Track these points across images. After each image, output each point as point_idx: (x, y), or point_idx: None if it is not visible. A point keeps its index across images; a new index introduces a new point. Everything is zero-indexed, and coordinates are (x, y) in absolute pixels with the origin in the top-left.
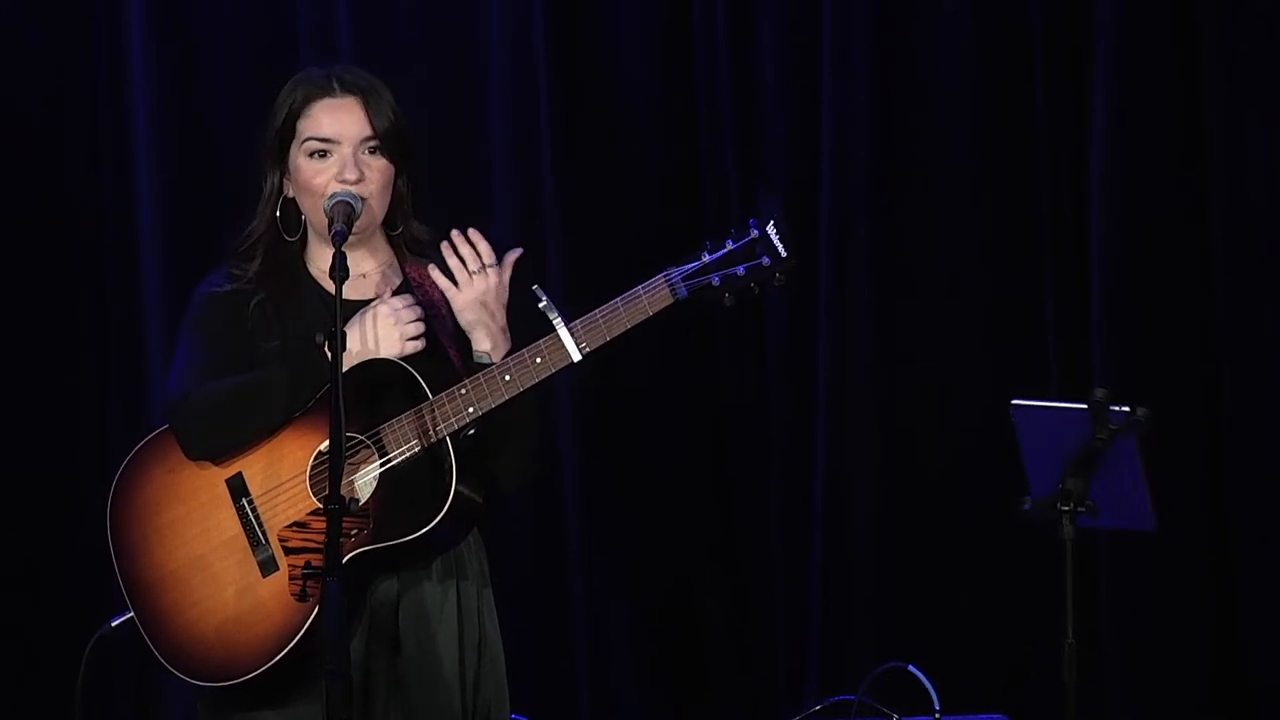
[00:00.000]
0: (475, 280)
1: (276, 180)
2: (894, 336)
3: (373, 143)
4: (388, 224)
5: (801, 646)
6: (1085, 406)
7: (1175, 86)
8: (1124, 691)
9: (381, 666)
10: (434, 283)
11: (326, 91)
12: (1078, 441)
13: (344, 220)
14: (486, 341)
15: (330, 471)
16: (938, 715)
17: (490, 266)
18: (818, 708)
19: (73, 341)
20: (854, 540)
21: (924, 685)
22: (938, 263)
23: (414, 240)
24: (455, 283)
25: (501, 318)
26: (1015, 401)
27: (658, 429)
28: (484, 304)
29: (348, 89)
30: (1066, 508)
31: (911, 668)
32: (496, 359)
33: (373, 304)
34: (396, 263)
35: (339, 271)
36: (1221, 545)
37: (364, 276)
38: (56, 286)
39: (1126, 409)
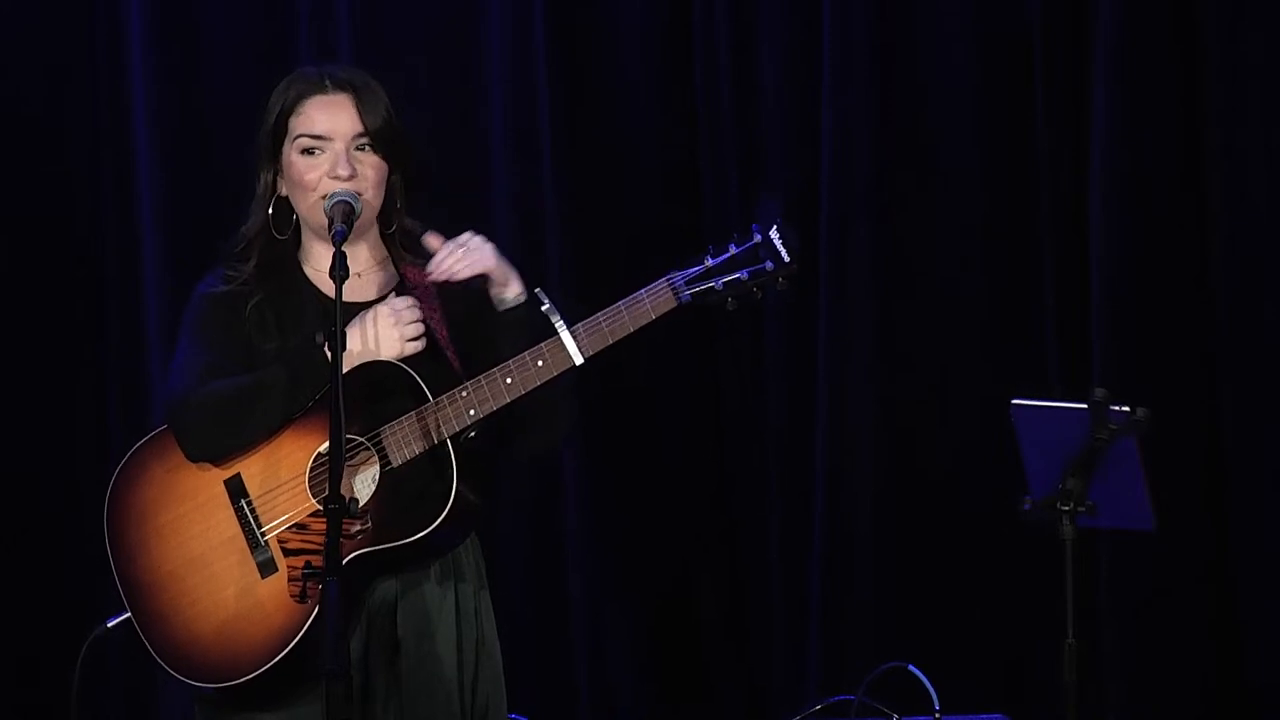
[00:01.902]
0: (474, 255)
1: (270, 178)
2: (894, 336)
3: (364, 140)
4: (382, 222)
5: (801, 646)
6: (1085, 406)
7: (1175, 87)
8: (1124, 691)
9: (381, 668)
10: (429, 287)
11: (318, 89)
12: (1078, 441)
13: (344, 220)
14: (518, 285)
15: (330, 472)
16: (938, 715)
17: (471, 239)
18: (818, 708)
19: (73, 341)
20: (854, 540)
21: (924, 685)
22: (938, 263)
23: (408, 238)
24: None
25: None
26: (1015, 401)
27: (657, 429)
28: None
29: (340, 86)
30: (1066, 508)
31: (911, 668)
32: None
33: (375, 305)
34: (391, 262)
35: (339, 271)
36: (1222, 545)
37: (358, 276)
38: (56, 286)
39: (1126, 409)
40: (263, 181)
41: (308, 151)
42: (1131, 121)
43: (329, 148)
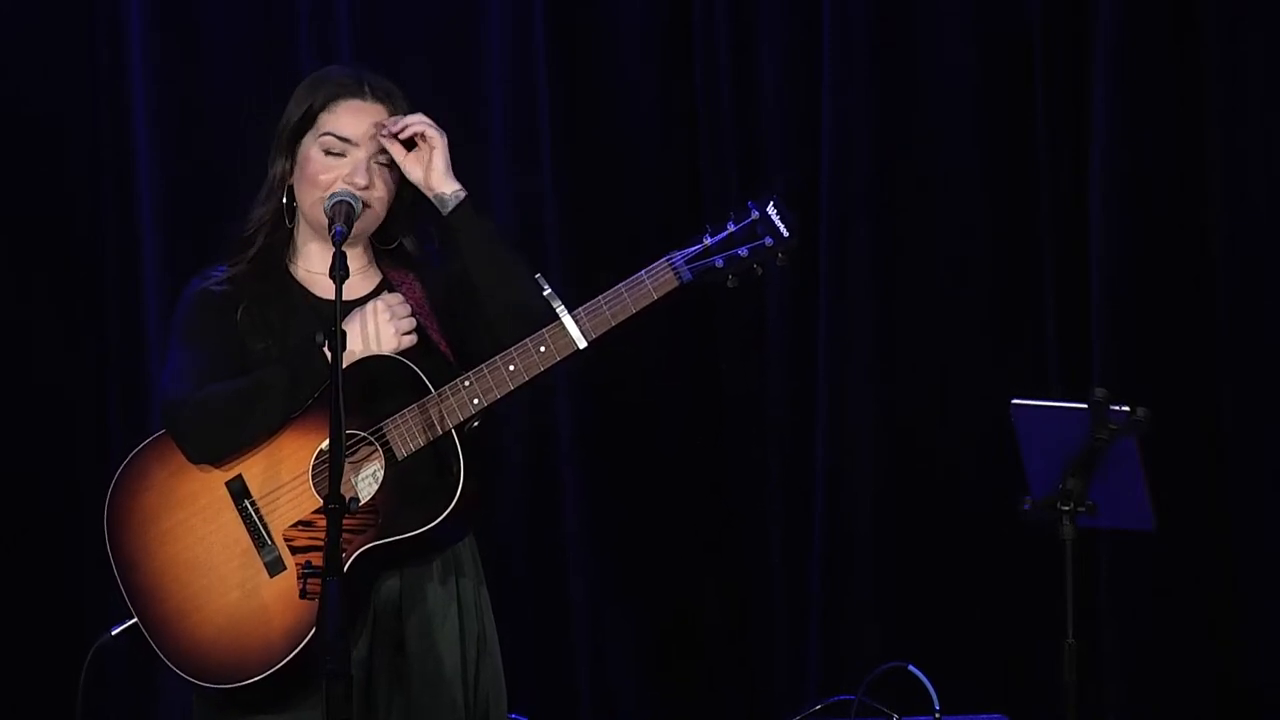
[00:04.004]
0: (434, 145)
1: (286, 167)
2: (894, 336)
3: (387, 155)
4: (382, 235)
5: (801, 646)
6: (1085, 406)
7: (1175, 86)
8: (1124, 691)
9: (385, 665)
10: (414, 284)
11: (356, 93)
12: (1078, 441)
13: (344, 220)
14: (456, 182)
15: (330, 471)
16: (938, 715)
17: (421, 123)
18: (818, 708)
19: (72, 342)
20: (854, 540)
21: (924, 685)
22: (938, 263)
23: (402, 251)
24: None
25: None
26: (1015, 401)
27: (658, 429)
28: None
29: (377, 96)
30: (1066, 508)
31: (911, 668)
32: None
33: (369, 302)
34: (375, 265)
35: (339, 271)
36: (1222, 545)
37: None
38: (56, 286)
39: (1126, 409)
40: (279, 168)
41: (330, 152)
42: (1131, 121)
43: (352, 153)
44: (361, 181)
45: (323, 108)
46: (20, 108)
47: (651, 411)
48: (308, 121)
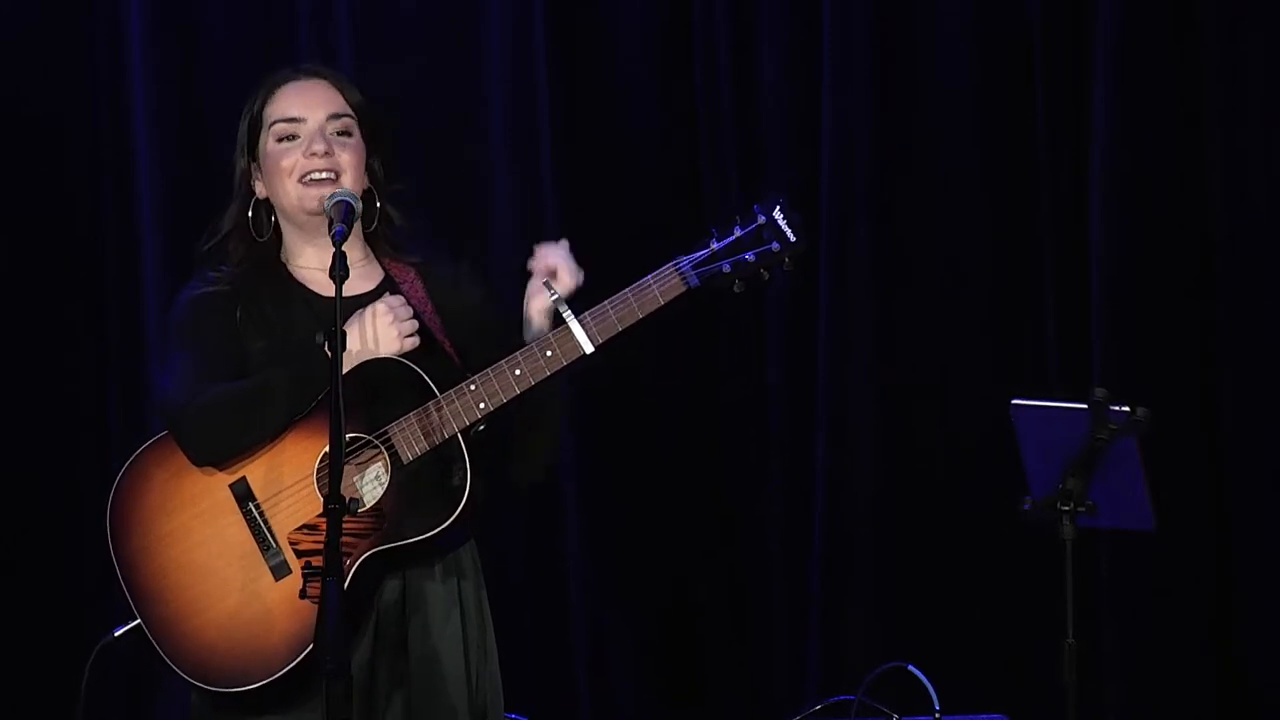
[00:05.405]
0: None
1: (245, 170)
2: (894, 336)
3: (339, 123)
4: (364, 218)
5: (801, 646)
6: (1085, 406)
7: (1175, 86)
8: (1124, 691)
9: (386, 667)
10: (415, 281)
11: (290, 78)
12: (1078, 441)
13: (344, 219)
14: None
15: (330, 472)
16: (938, 715)
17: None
18: (818, 708)
19: (72, 342)
20: (854, 540)
21: (924, 685)
22: (938, 263)
23: (389, 231)
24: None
25: None
26: (1015, 401)
27: (657, 430)
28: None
29: (312, 74)
30: (1066, 508)
31: (911, 668)
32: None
33: (370, 304)
34: (374, 257)
35: (339, 271)
36: (1222, 545)
37: None
38: (56, 286)
39: (1126, 409)
40: (237, 172)
41: (284, 139)
42: (1131, 121)
43: (303, 130)
44: (320, 148)
45: (265, 103)
46: (20, 108)
47: (650, 413)
48: (257, 122)
